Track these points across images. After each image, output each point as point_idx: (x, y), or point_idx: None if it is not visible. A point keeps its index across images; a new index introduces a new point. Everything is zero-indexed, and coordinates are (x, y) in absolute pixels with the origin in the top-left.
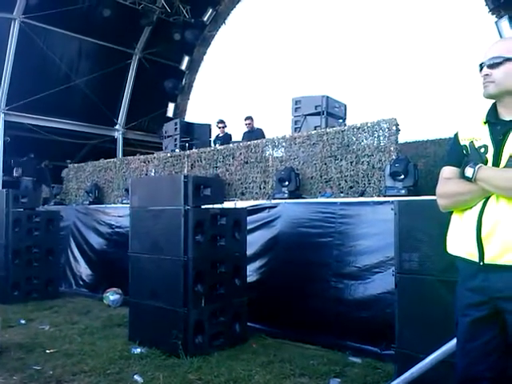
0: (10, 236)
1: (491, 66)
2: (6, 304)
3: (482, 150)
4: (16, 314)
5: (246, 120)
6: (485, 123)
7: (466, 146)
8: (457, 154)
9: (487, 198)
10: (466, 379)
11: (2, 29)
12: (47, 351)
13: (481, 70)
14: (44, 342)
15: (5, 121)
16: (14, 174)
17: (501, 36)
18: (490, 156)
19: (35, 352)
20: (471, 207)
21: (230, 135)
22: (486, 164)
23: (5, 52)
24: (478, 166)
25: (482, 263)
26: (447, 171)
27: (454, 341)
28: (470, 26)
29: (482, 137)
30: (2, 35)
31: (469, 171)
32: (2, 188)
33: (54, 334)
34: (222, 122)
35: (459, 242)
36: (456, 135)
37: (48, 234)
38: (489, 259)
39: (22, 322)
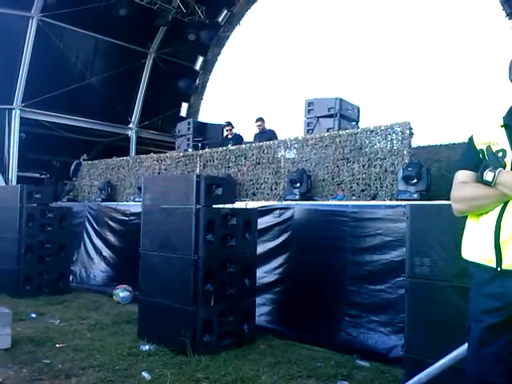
0: (23, 231)
1: None
2: (17, 298)
3: (500, 154)
4: (27, 308)
5: (256, 122)
6: (502, 127)
7: (482, 150)
8: (472, 157)
9: (505, 203)
10: None
11: (19, 27)
12: (57, 345)
13: None
14: (54, 337)
15: (20, 117)
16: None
17: None
18: (508, 160)
19: (45, 346)
20: (487, 212)
21: (240, 135)
22: (504, 169)
23: (22, 49)
24: (498, 170)
25: (499, 269)
26: (463, 175)
27: (465, 346)
28: (487, 31)
29: (499, 141)
30: (19, 33)
31: (489, 175)
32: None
33: (64, 328)
34: (228, 124)
35: (475, 248)
36: (471, 139)
37: (60, 230)
38: (507, 265)
39: (33, 316)
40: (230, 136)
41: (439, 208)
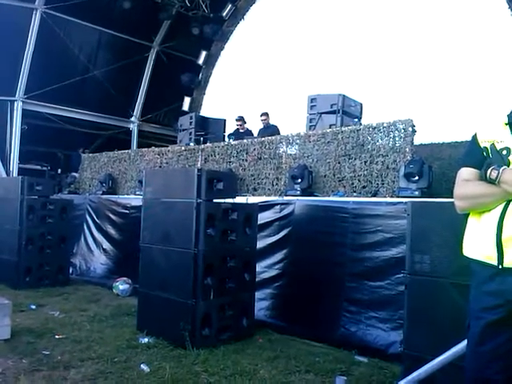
0: (24, 223)
1: None
2: (17, 289)
3: (505, 152)
4: (27, 299)
5: (261, 116)
6: (506, 125)
7: (486, 148)
8: (476, 155)
9: (508, 202)
10: (478, 381)
11: (23, 19)
12: (56, 337)
13: None
14: (53, 328)
15: (23, 109)
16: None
17: None
18: None
19: (45, 337)
20: (490, 210)
21: (251, 132)
22: (508, 167)
23: (25, 41)
24: (502, 168)
25: (500, 266)
26: (466, 172)
27: (464, 343)
28: (491, 29)
29: (503, 139)
30: (23, 25)
31: (493, 173)
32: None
33: (63, 320)
34: (240, 119)
35: (477, 245)
36: (474, 136)
37: (61, 222)
38: (508, 263)
39: (33, 307)
40: (241, 130)
41: (440, 205)
